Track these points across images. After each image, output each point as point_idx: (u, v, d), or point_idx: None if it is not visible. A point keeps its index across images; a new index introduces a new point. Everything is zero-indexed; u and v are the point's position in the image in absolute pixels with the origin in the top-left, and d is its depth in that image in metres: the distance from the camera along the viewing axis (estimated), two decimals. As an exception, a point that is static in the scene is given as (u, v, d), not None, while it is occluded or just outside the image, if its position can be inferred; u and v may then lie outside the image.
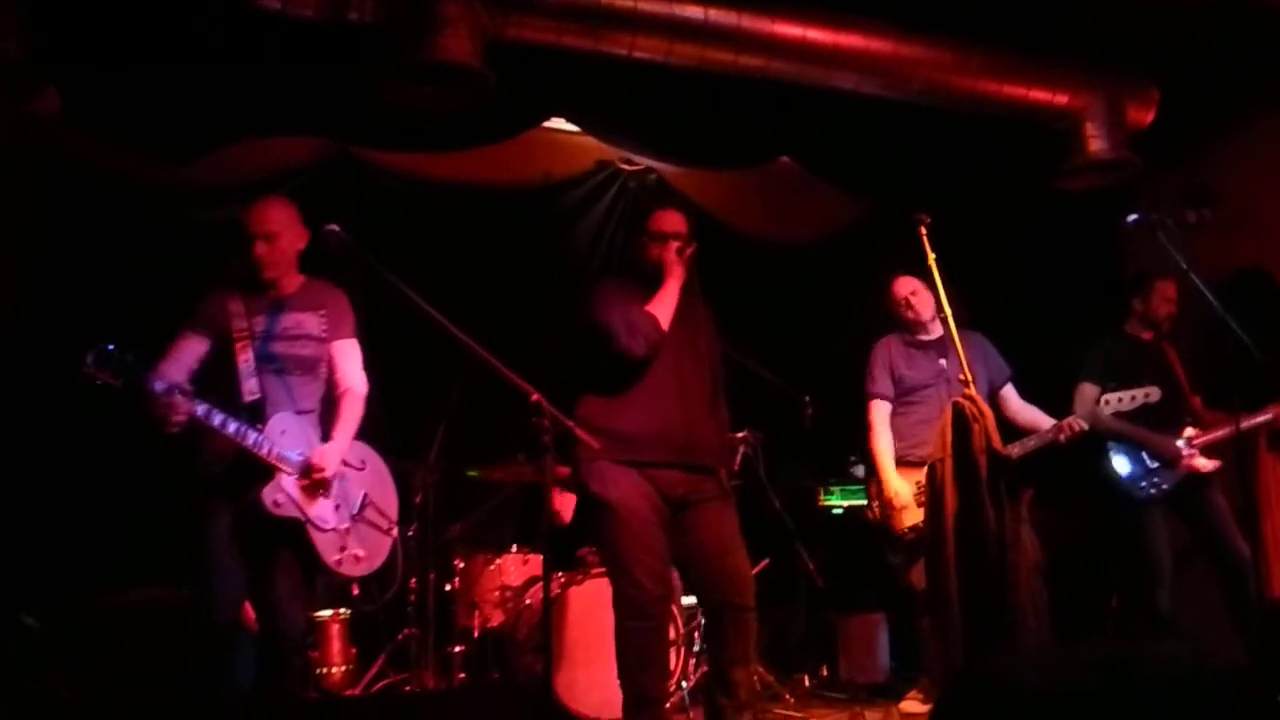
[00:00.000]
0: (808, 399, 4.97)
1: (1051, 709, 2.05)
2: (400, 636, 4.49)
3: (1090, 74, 4.99)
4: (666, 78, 4.54)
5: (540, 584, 4.20)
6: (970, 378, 3.36)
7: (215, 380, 3.23)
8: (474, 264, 5.21)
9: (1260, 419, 4.30)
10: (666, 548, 3.31)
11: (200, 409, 3.03)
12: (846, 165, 5.32)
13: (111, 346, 2.90)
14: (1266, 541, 4.93)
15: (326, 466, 3.25)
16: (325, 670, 4.36)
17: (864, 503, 4.50)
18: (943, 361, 4.33)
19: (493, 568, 4.59)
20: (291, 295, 3.40)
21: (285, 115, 4.41)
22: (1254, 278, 4.99)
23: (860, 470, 4.99)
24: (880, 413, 4.41)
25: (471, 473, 4.81)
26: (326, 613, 4.39)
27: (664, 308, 3.39)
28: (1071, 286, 5.50)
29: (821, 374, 5.11)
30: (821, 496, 5.31)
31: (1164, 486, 4.31)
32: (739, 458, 4.71)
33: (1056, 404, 4.37)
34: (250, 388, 3.21)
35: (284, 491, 3.18)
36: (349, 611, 4.46)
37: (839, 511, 5.28)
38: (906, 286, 4.45)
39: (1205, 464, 4.30)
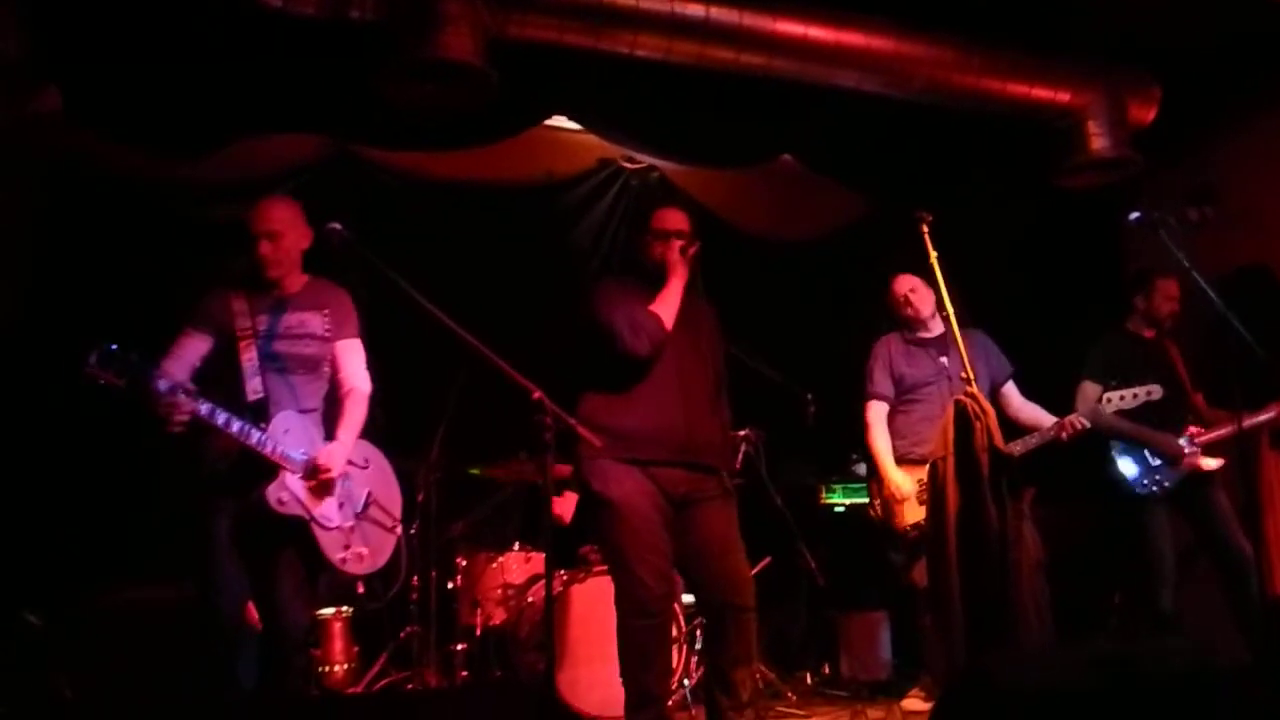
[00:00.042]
0: (810, 397, 4.97)
1: (1053, 707, 2.05)
2: (402, 634, 4.48)
3: (1092, 72, 4.98)
4: (668, 75, 4.54)
5: (542, 582, 4.20)
6: (972, 375, 3.36)
7: (218, 379, 3.23)
8: (476, 262, 5.20)
9: (1262, 417, 4.31)
10: (669, 545, 3.31)
11: (204, 408, 3.03)
12: (848, 163, 5.32)
13: (114, 346, 2.90)
14: (1269, 539, 4.92)
15: (332, 466, 3.25)
16: (327, 668, 4.36)
17: (866, 501, 4.50)
18: (944, 359, 4.33)
19: (495, 566, 4.60)
20: (295, 294, 3.40)
21: (286, 114, 4.41)
22: (1256, 275, 4.99)
23: (862, 468, 4.98)
24: (877, 413, 4.41)
25: (474, 471, 4.82)
26: (329, 611, 4.39)
27: (667, 307, 3.39)
28: (1073, 284, 5.49)
29: (823, 372, 5.11)
30: (823, 495, 5.31)
31: (1166, 485, 4.31)
32: (741, 456, 4.71)
33: (1058, 402, 4.37)
34: (254, 387, 3.21)
35: (288, 490, 3.18)
36: (351, 610, 4.46)
37: (841, 510, 5.28)
38: (906, 284, 4.45)
39: (1207, 462, 4.30)
